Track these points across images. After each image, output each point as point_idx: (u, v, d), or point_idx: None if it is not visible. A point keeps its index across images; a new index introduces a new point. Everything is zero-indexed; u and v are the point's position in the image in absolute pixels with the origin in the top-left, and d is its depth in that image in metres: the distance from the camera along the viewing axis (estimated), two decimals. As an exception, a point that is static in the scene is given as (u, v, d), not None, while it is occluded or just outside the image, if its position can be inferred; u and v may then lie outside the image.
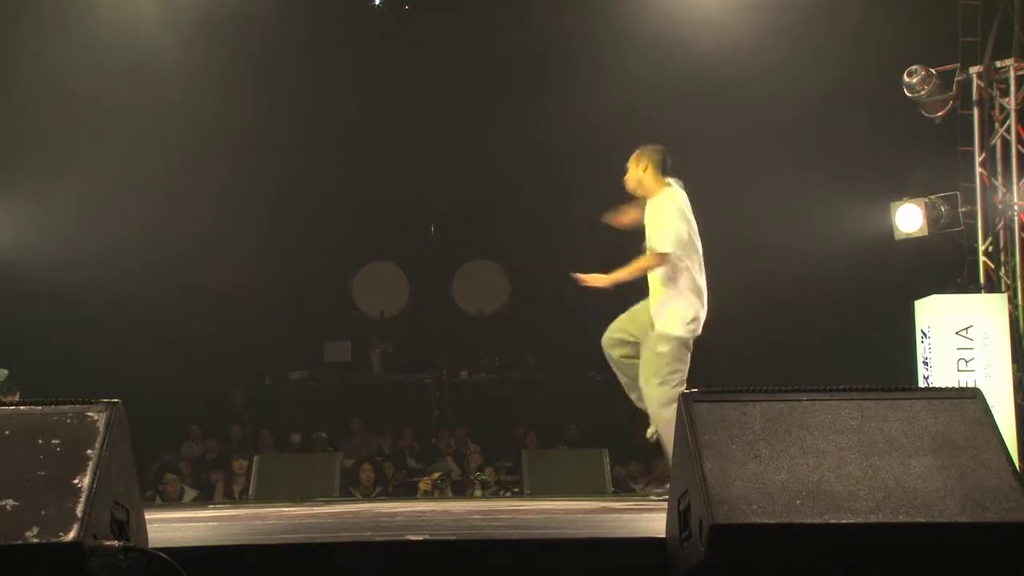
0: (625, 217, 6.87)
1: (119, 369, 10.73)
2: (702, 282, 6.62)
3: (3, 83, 10.50)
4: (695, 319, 6.58)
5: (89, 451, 2.99)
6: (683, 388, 6.35)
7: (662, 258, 6.52)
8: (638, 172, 6.73)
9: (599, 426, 11.44)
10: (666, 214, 6.57)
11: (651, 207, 6.69)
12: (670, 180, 6.76)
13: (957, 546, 2.95)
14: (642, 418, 6.87)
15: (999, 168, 8.84)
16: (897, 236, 9.37)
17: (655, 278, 6.63)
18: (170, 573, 2.97)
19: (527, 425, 12.56)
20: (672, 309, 6.56)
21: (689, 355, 6.60)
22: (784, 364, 10.34)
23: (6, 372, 8.94)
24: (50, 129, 10.76)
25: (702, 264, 6.67)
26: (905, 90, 9.08)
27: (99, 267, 11.20)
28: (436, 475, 10.82)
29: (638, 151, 6.83)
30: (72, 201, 10.96)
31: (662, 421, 6.36)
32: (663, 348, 6.53)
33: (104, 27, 10.38)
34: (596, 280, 6.70)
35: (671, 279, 6.56)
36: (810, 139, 10.78)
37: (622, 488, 9.89)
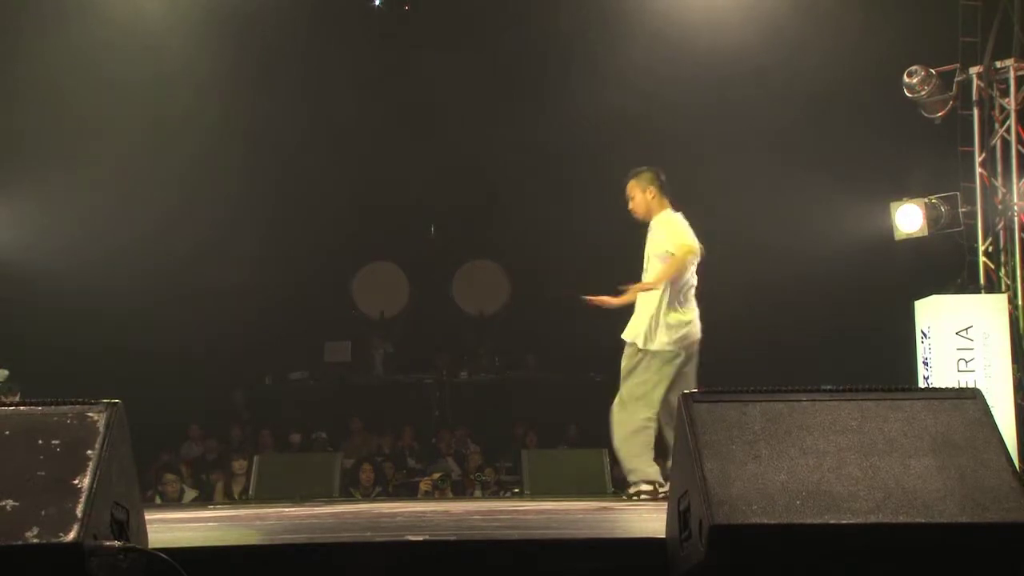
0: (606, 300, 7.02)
1: (119, 369, 10.74)
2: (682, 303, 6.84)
3: (4, 83, 10.50)
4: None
5: (89, 451, 2.99)
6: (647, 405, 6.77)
7: (689, 251, 6.74)
8: (646, 198, 6.98)
9: (599, 426, 11.37)
10: (678, 224, 6.86)
11: (658, 223, 6.93)
12: (667, 206, 7.00)
13: (957, 546, 2.95)
14: None
15: (999, 168, 8.84)
16: (897, 236, 9.37)
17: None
18: (170, 573, 2.97)
19: (527, 425, 12.57)
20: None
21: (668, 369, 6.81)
22: (784, 364, 10.35)
23: (6, 372, 8.94)
24: (51, 129, 10.76)
25: (692, 291, 6.89)
26: (905, 90, 9.08)
27: (99, 267, 11.20)
28: (437, 475, 10.83)
29: (635, 177, 7.01)
30: (73, 201, 10.96)
31: None
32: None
33: (104, 27, 10.37)
34: (638, 289, 6.85)
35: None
36: (810, 139, 10.78)
37: (622, 488, 9.88)
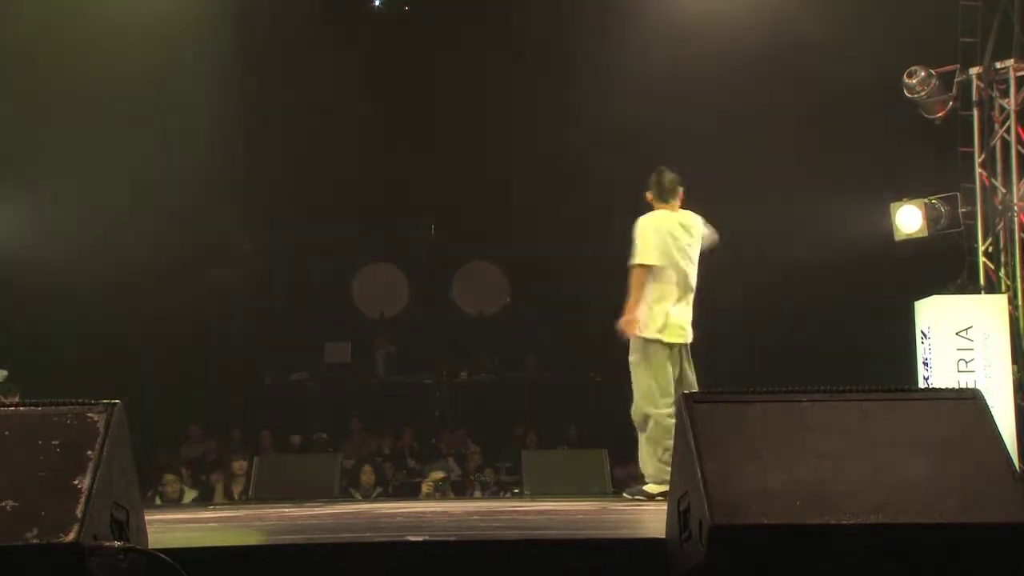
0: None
1: (119, 369, 10.74)
2: (673, 296, 6.86)
3: (6, 83, 10.49)
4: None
5: (89, 452, 2.99)
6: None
7: (635, 270, 6.81)
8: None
9: (599, 426, 11.44)
10: (639, 233, 6.89)
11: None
12: (664, 206, 7.02)
13: (957, 547, 2.94)
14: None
15: (999, 169, 8.85)
16: (897, 237, 9.38)
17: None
18: (170, 574, 2.97)
19: (527, 426, 12.57)
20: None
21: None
22: (784, 364, 10.34)
23: (6, 373, 8.93)
24: (51, 129, 10.75)
25: (681, 283, 6.88)
26: (905, 91, 9.08)
27: (99, 268, 11.20)
28: (437, 476, 10.82)
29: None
30: (73, 201, 10.96)
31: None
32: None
33: (105, 27, 10.37)
34: (629, 324, 6.89)
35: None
36: (810, 139, 10.78)
37: (622, 489, 9.87)
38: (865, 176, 10.30)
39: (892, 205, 9.42)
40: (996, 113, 8.86)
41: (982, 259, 8.87)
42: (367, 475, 10.58)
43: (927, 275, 9.24)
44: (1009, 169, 8.80)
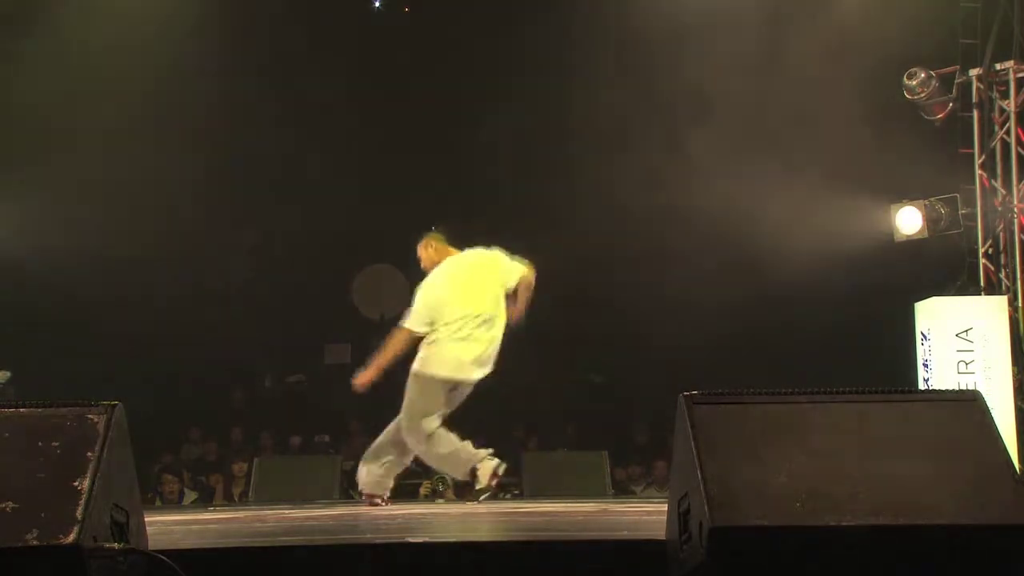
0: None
1: (119, 370, 10.73)
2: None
3: (5, 79, 10.48)
4: None
5: (89, 453, 2.99)
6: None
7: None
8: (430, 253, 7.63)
9: (599, 428, 11.43)
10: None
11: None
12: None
13: (957, 548, 2.95)
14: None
15: (999, 170, 8.85)
16: (897, 238, 9.38)
17: None
18: (170, 575, 2.97)
19: (527, 427, 12.55)
20: None
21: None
22: (784, 366, 10.34)
23: (8, 374, 8.93)
24: (51, 127, 10.74)
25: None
26: (905, 92, 9.08)
27: (99, 268, 11.19)
28: (436, 478, 10.79)
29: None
30: (72, 201, 10.94)
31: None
32: None
33: (105, 24, 10.36)
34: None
35: None
36: (810, 141, 10.77)
37: (622, 490, 9.89)
38: (865, 177, 10.29)
39: (892, 206, 9.42)
40: (996, 115, 8.86)
41: (982, 260, 8.87)
42: (367, 477, 10.55)
43: (927, 277, 9.24)
44: (1009, 170, 8.80)
